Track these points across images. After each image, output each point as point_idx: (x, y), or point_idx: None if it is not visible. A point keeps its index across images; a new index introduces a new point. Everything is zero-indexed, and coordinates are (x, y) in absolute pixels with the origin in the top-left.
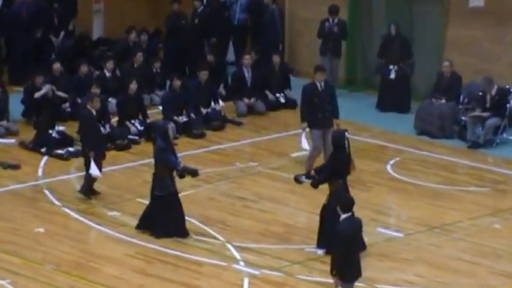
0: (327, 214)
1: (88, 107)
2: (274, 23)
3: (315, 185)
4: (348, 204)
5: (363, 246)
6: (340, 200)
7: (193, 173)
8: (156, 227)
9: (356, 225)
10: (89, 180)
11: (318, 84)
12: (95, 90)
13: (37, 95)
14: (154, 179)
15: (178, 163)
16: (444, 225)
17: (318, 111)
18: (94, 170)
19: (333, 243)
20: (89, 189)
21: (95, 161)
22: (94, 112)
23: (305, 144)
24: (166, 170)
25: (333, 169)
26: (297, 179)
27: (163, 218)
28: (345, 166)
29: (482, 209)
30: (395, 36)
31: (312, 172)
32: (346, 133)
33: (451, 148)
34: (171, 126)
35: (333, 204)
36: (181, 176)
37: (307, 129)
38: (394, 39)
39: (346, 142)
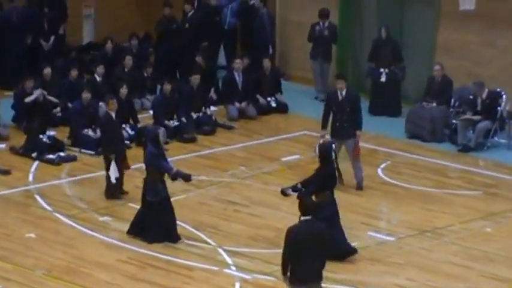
0: None
1: (107, 110)
2: (263, 26)
3: (301, 198)
4: (306, 208)
5: (352, 250)
6: (301, 203)
7: (186, 178)
8: (148, 233)
9: (310, 230)
10: (109, 181)
11: (339, 93)
12: (86, 95)
13: (28, 100)
14: (146, 185)
15: (171, 168)
16: (435, 229)
17: (336, 120)
18: (114, 172)
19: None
20: (112, 189)
21: (116, 163)
22: (114, 115)
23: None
24: (158, 174)
25: (320, 182)
26: (284, 192)
27: (155, 223)
28: (332, 178)
29: (474, 213)
30: (385, 39)
31: (299, 185)
32: (333, 145)
33: (442, 152)
34: (161, 131)
35: (321, 214)
36: (174, 179)
37: (327, 137)
38: (384, 43)
39: (333, 154)
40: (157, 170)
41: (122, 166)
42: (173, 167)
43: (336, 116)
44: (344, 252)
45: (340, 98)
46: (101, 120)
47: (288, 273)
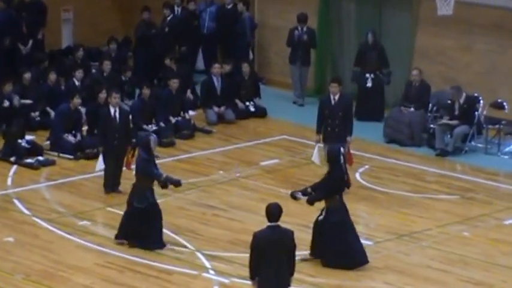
0: (325, 229)
1: (110, 105)
2: (245, 30)
3: (310, 202)
4: (270, 214)
5: (365, 261)
6: (267, 208)
7: (176, 183)
8: (136, 238)
9: (275, 236)
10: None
11: (332, 97)
12: (77, 100)
13: None
14: (134, 190)
15: (161, 174)
16: (413, 233)
17: (328, 125)
18: (98, 164)
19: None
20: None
21: (103, 156)
22: (112, 110)
23: (314, 157)
24: (147, 181)
25: (330, 186)
26: (293, 195)
27: (143, 230)
28: (342, 182)
29: (451, 217)
30: (372, 44)
31: (309, 189)
32: (341, 149)
33: (420, 156)
34: (153, 137)
35: (331, 220)
36: (164, 187)
37: (320, 143)
38: (371, 48)
39: (341, 158)
40: (148, 176)
41: (120, 163)
42: (163, 173)
43: (328, 121)
44: (355, 262)
45: (333, 102)
46: (100, 115)
47: (257, 278)
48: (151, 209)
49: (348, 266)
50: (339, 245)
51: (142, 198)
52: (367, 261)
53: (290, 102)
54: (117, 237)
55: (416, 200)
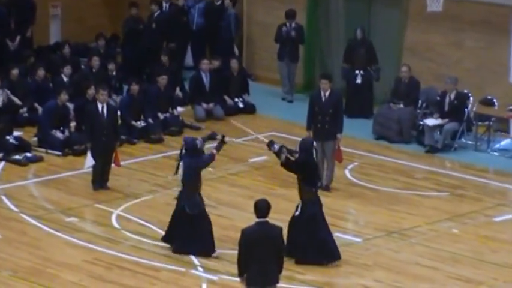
0: (300, 223)
1: (97, 102)
2: (229, 26)
3: (283, 162)
4: (259, 210)
5: (337, 256)
6: (256, 204)
7: (222, 139)
8: (185, 243)
9: (263, 232)
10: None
11: (322, 93)
12: (65, 96)
13: None
14: (184, 198)
15: (210, 153)
16: (402, 230)
17: (317, 121)
18: (87, 161)
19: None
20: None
21: (91, 152)
22: (100, 106)
23: None
24: (195, 186)
25: (298, 166)
26: (271, 144)
27: (193, 235)
28: (314, 172)
29: (440, 214)
30: (361, 40)
31: (286, 153)
32: (314, 143)
33: (409, 153)
34: (199, 141)
35: (306, 213)
36: (222, 142)
37: None
38: (360, 44)
39: (313, 150)
40: (205, 167)
41: (108, 159)
42: (210, 152)
43: (318, 117)
44: (328, 257)
45: (323, 99)
46: (87, 111)
47: (245, 275)
48: (202, 215)
49: (321, 261)
50: (311, 239)
51: (194, 204)
52: (339, 258)
53: (279, 99)
54: (163, 239)
55: (406, 197)
